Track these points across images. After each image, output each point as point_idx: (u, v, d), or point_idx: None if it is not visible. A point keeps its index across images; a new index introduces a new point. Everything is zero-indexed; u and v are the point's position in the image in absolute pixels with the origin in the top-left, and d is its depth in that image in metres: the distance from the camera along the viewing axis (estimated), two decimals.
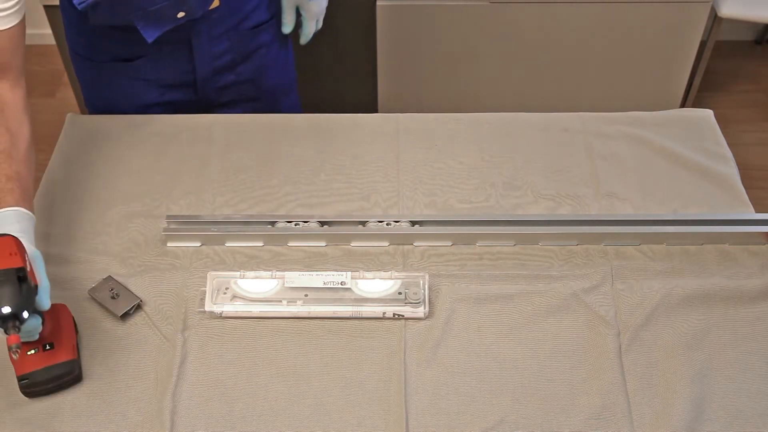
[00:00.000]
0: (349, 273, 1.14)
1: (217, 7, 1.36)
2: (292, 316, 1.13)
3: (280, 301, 1.13)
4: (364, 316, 1.12)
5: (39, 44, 2.83)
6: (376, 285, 1.14)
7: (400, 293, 1.13)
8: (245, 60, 1.48)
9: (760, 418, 1.03)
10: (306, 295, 1.13)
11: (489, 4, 2.15)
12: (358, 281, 1.14)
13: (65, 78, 2.73)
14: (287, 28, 1.53)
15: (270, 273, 1.16)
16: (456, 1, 2.16)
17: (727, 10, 2.47)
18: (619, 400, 1.04)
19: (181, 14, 1.29)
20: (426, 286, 1.13)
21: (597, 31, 2.22)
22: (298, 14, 1.54)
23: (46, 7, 2.14)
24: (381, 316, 1.12)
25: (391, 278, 1.15)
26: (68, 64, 2.31)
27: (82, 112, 1.47)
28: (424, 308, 1.12)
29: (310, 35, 1.58)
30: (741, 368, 1.08)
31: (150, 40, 1.29)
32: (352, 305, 1.12)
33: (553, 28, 2.21)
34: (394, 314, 1.12)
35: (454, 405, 1.04)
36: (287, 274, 1.15)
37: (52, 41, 2.24)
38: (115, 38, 1.37)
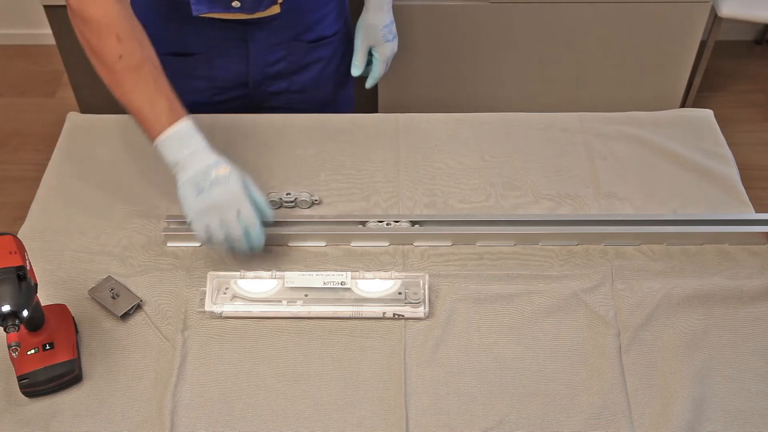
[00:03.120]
0: (349, 273, 1.14)
1: (277, 15, 1.35)
2: (292, 316, 1.13)
3: (280, 301, 1.13)
4: (364, 316, 1.12)
5: (39, 44, 2.83)
6: (376, 285, 1.14)
7: (400, 293, 1.13)
8: (300, 70, 1.47)
9: (760, 418, 1.03)
10: (306, 295, 1.13)
11: (489, 4, 2.15)
12: (358, 281, 1.14)
13: (65, 78, 2.73)
14: (357, 70, 1.49)
15: (270, 273, 1.16)
16: (456, 1, 2.16)
17: (727, 10, 2.47)
18: (619, 400, 1.04)
19: (236, 3, 1.28)
20: (426, 286, 1.13)
21: (597, 31, 2.22)
22: (370, 54, 1.51)
23: (46, 7, 2.14)
24: (381, 316, 1.12)
25: (391, 278, 1.15)
26: (68, 64, 2.32)
27: (82, 112, 1.48)
28: (424, 308, 1.12)
29: (378, 78, 1.51)
30: (741, 368, 1.08)
31: (195, 14, 1.28)
32: (352, 305, 1.12)
33: (553, 28, 2.21)
34: (394, 314, 1.12)
35: (454, 405, 1.04)
36: (287, 274, 1.15)
37: (52, 41, 2.24)
38: (172, 31, 1.38)
